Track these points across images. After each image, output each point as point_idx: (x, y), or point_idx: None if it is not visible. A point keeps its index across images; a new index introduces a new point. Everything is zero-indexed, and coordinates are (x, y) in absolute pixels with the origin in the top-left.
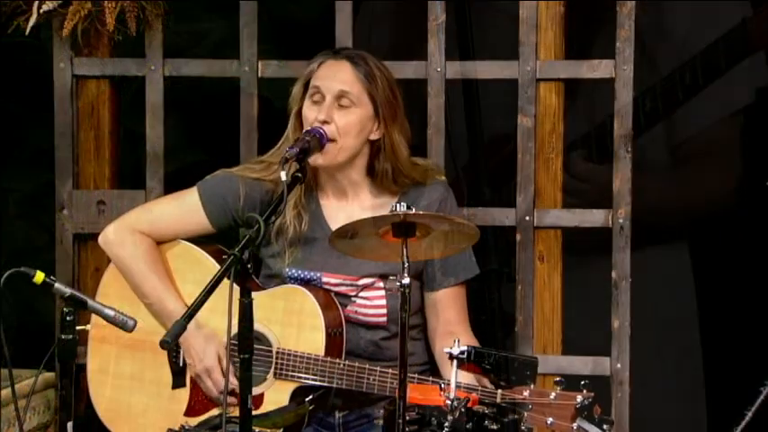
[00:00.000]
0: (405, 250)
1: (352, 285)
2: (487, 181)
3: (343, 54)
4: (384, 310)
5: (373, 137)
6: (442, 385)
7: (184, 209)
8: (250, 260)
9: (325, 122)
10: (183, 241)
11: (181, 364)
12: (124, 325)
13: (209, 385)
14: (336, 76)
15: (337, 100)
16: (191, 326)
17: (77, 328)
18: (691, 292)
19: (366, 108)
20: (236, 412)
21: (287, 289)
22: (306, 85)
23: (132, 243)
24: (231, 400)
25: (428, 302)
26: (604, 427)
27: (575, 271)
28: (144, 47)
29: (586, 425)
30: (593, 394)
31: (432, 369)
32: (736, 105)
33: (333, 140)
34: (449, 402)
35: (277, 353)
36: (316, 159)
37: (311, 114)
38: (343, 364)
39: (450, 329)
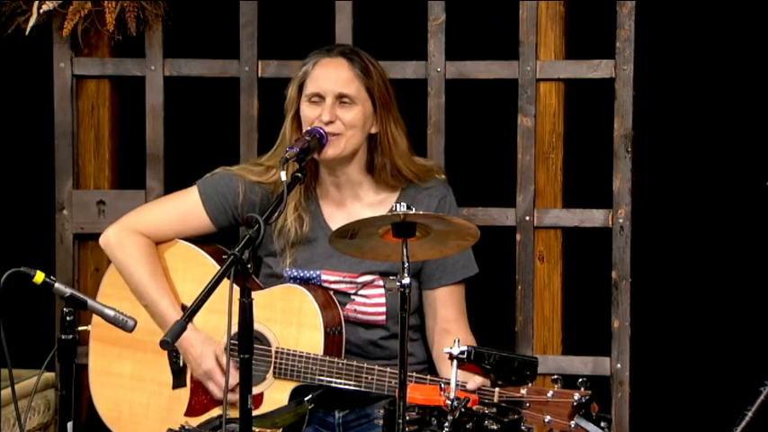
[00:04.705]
0: (405, 250)
1: (351, 283)
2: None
3: (337, 51)
4: (383, 309)
5: (373, 130)
6: (442, 385)
7: (185, 207)
8: (250, 260)
9: (329, 122)
10: (182, 241)
11: (181, 365)
12: (124, 325)
13: (213, 387)
14: (333, 77)
15: (338, 99)
16: (187, 331)
17: (78, 328)
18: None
19: (366, 103)
20: (236, 413)
21: (285, 288)
22: (301, 87)
23: (131, 245)
24: (233, 397)
25: (426, 301)
26: (602, 424)
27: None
28: (144, 47)
29: (584, 422)
30: (590, 392)
31: (430, 369)
32: None
33: (338, 134)
34: (449, 402)
35: (276, 352)
36: (326, 152)
37: (312, 114)
38: (342, 363)
39: (447, 327)
